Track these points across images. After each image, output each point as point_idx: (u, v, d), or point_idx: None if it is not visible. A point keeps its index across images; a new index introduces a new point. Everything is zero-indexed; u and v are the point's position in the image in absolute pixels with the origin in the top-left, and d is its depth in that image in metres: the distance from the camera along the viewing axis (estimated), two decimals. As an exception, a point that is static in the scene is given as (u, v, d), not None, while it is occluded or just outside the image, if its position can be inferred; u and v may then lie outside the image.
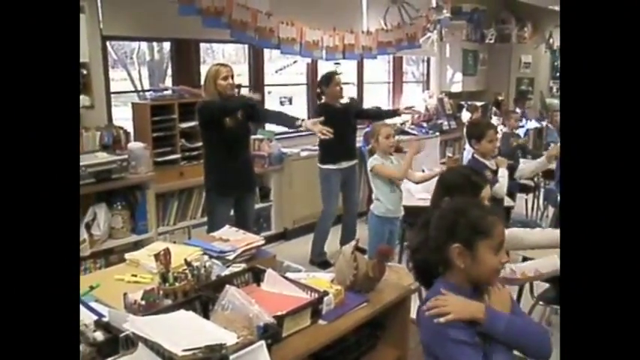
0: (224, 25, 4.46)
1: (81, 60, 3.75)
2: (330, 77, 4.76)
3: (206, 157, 3.97)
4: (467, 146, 6.38)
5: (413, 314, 1.94)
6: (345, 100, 4.97)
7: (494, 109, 7.14)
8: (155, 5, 4.03)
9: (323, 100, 4.77)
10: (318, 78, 6.11)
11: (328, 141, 4.66)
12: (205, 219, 4.48)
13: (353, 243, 2.20)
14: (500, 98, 8.24)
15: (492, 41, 8.29)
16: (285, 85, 6.27)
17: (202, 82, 3.89)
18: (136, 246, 3.76)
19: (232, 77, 3.78)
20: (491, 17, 8.39)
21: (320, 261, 4.86)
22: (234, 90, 3.85)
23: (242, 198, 4.00)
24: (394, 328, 2.26)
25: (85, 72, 3.81)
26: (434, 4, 6.18)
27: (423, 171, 5.61)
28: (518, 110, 6.99)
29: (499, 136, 4.14)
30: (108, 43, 4.44)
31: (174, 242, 3.63)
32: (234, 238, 2.66)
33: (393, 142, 3.94)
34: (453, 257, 1.61)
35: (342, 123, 4.61)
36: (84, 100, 3.81)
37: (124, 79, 5.49)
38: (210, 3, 4.27)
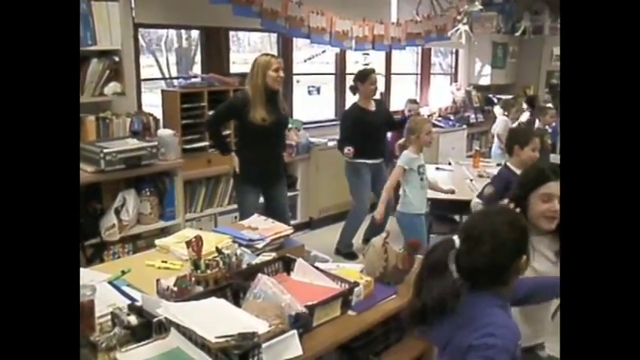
0: (255, 14, 4.45)
1: (113, 47, 3.77)
2: (366, 75, 4.74)
3: (238, 145, 3.98)
4: (496, 140, 6.33)
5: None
6: (377, 97, 4.95)
7: (526, 105, 6.96)
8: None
9: (357, 99, 4.80)
10: (347, 68, 6.16)
11: (358, 137, 4.69)
12: (231, 206, 4.53)
13: (384, 235, 2.20)
14: (530, 92, 8.10)
15: (523, 34, 8.11)
16: (314, 74, 6.25)
17: (249, 71, 3.74)
18: (163, 232, 3.80)
19: (282, 70, 3.72)
20: (523, 8, 8.23)
21: (346, 252, 4.86)
22: (281, 84, 3.78)
23: (270, 188, 3.99)
24: (422, 321, 2.26)
25: (117, 59, 3.83)
26: (464, -5, 6.09)
27: (450, 163, 5.61)
28: (552, 105, 6.85)
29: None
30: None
31: (201, 229, 3.66)
32: (262, 227, 2.67)
33: (433, 137, 4.06)
34: (522, 267, 1.59)
35: (373, 123, 4.76)
36: (115, 86, 3.83)
37: (150, 65, 5.51)
38: (241, -9, 4.26)
